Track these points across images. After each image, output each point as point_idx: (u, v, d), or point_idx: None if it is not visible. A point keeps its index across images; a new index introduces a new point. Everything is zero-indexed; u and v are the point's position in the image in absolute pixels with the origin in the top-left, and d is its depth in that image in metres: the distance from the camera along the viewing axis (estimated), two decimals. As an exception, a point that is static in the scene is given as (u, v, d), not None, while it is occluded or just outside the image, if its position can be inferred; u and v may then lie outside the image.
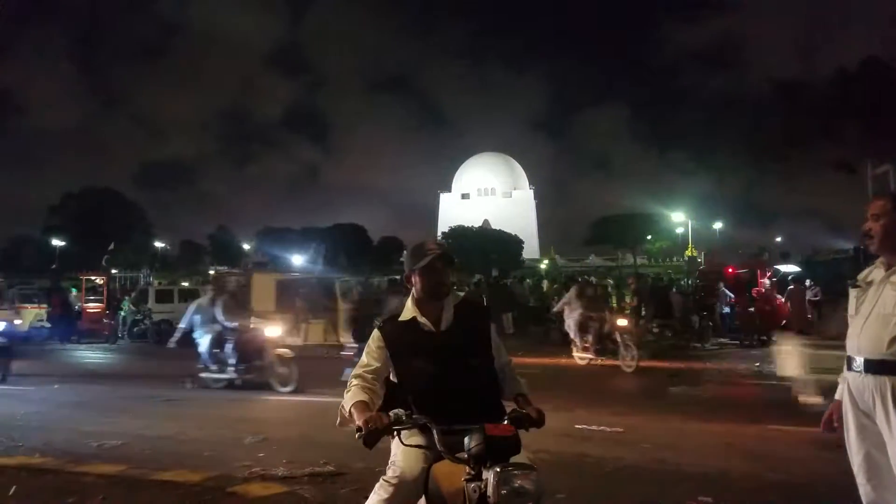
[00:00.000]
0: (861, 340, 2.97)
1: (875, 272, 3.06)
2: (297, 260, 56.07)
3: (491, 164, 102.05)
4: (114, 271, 36.86)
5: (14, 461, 6.02)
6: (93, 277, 25.03)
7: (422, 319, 2.76)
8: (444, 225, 78.19)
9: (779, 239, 50.99)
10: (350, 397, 2.66)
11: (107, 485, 5.33)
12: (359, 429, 2.50)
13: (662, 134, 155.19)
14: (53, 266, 44.78)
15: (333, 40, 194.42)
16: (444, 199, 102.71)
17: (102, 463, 5.99)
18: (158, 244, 66.37)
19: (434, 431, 2.44)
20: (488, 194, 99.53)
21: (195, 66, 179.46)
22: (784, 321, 17.28)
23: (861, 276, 3.12)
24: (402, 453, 2.64)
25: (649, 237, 63.21)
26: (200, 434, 7.42)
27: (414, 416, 2.53)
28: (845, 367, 3.15)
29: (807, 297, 17.88)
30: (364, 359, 2.79)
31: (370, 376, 2.72)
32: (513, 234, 65.67)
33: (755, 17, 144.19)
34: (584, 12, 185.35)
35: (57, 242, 53.73)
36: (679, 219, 52.50)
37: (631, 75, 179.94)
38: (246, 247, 71.95)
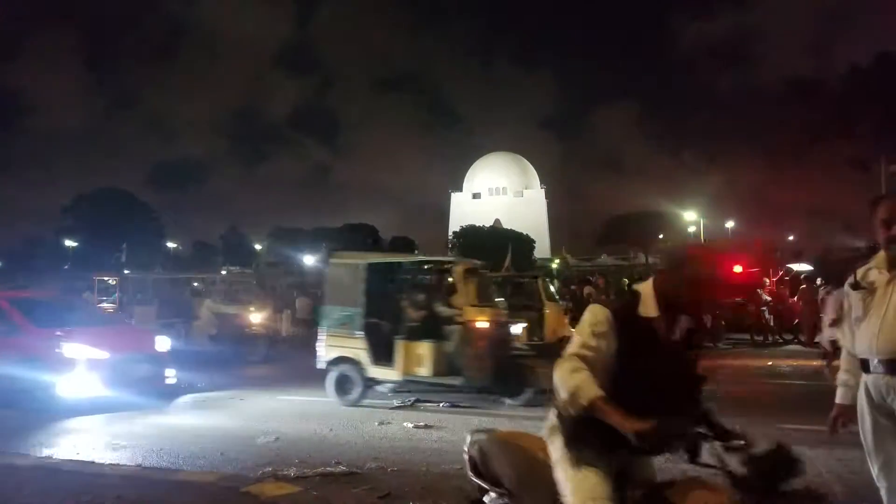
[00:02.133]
0: (879, 342, 2.96)
1: (872, 273, 3.06)
2: (309, 260, 56.28)
3: (502, 164, 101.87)
4: (126, 272, 37.06)
5: (29, 461, 6.08)
6: (105, 278, 25.16)
7: (659, 323, 2.44)
8: (455, 224, 78.12)
9: (791, 237, 50.64)
10: (587, 383, 2.28)
11: (121, 484, 5.38)
12: (642, 434, 2.16)
13: (675, 132, 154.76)
14: (66, 267, 45.14)
15: (343, 39, 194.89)
16: (456, 198, 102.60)
17: (116, 463, 6.05)
18: (170, 244, 66.78)
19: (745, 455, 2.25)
20: (499, 194, 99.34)
21: (205, 66, 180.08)
22: (796, 320, 17.19)
23: (858, 277, 3.10)
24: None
25: (661, 236, 62.96)
26: (214, 434, 7.46)
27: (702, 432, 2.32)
28: (848, 369, 3.19)
29: (819, 297, 17.72)
30: (586, 339, 2.40)
31: (592, 362, 2.35)
32: (524, 233, 65.58)
33: (769, 13, 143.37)
34: (596, 9, 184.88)
35: (70, 243, 54.17)
36: (691, 217, 52.29)
37: (643, 73, 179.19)
38: (258, 247, 72.32)
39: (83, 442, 7.09)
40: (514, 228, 66.64)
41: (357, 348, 9.20)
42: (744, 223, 49.98)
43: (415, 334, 9.19)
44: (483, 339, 8.81)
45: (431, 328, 9.29)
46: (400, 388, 9.48)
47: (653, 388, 2.31)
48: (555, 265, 56.28)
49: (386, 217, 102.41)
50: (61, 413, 8.27)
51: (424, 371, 8.96)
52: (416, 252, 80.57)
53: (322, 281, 16.19)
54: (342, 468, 5.80)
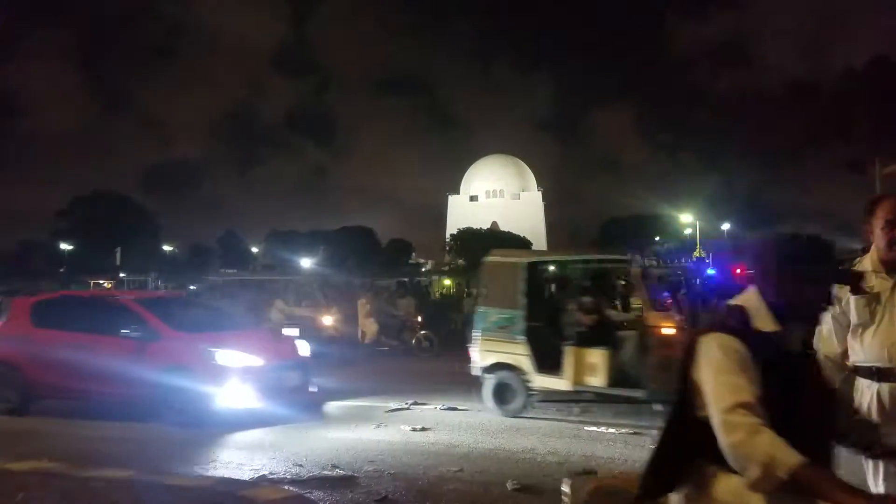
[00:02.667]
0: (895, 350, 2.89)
1: (871, 277, 2.97)
2: (306, 263, 56.20)
3: (499, 166, 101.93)
4: (122, 275, 37.06)
5: (23, 466, 6.03)
6: (101, 281, 25.16)
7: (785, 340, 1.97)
8: (452, 227, 78.10)
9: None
10: (780, 447, 1.69)
11: (115, 489, 5.34)
12: None
13: (671, 134, 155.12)
14: (62, 270, 45.06)
15: (339, 41, 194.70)
16: (453, 201, 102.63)
17: (111, 467, 6.00)
18: (167, 248, 66.70)
19: None
20: (497, 196, 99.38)
21: (201, 68, 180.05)
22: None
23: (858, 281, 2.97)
24: None
25: (657, 238, 63.10)
26: (209, 438, 7.42)
27: None
28: (856, 379, 3.05)
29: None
30: (736, 378, 1.81)
31: (759, 412, 1.77)
32: (521, 235, 65.63)
33: (765, 15, 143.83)
34: (593, 12, 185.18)
35: (65, 247, 54.08)
36: (687, 220, 52.43)
37: (639, 76, 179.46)
38: (254, 250, 72.27)
39: (76, 446, 7.02)
40: (511, 231, 66.73)
41: (518, 354, 8.38)
42: (740, 225, 50.01)
43: (585, 340, 8.32)
44: (669, 348, 7.75)
45: (604, 333, 8.47)
46: (566, 398, 8.74)
47: (806, 424, 1.85)
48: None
49: (383, 219, 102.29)
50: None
51: (597, 381, 8.07)
52: (413, 254, 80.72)
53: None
54: (338, 471, 5.78)
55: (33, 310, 9.28)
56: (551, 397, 8.74)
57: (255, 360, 8.21)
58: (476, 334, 8.85)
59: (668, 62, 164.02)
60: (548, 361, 8.30)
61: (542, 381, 8.35)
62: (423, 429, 7.68)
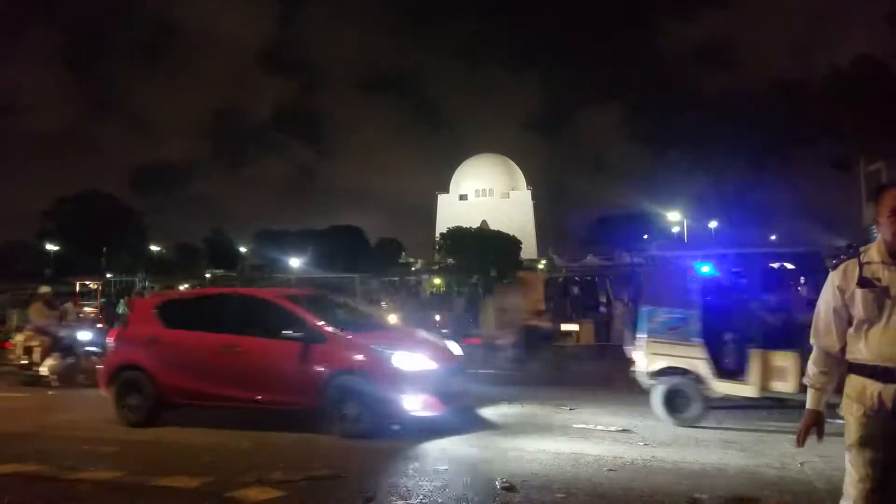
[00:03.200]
0: None
1: (877, 269, 2.77)
2: (295, 262, 56.01)
3: (488, 166, 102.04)
4: (109, 275, 36.81)
5: (8, 468, 5.99)
6: (87, 282, 24.96)
7: None
8: (442, 226, 78.15)
9: (773, 237, 51.05)
10: None
11: (103, 491, 5.32)
12: None
13: (658, 133, 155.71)
14: (48, 271, 44.67)
15: (327, 40, 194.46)
16: (442, 200, 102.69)
17: (98, 469, 5.97)
18: (154, 247, 66.23)
19: None
20: (486, 195, 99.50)
21: (187, 68, 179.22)
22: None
23: (865, 273, 2.79)
24: None
25: (646, 236, 63.38)
26: (197, 439, 7.39)
27: None
28: (825, 371, 2.94)
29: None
30: None
31: None
32: (511, 234, 65.76)
33: (750, 15, 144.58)
34: (580, 11, 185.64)
35: (51, 247, 53.59)
36: (675, 218, 52.70)
37: (627, 75, 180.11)
38: (242, 250, 71.93)
39: (64, 448, 6.95)
40: (500, 230, 66.87)
41: (694, 358, 7.63)
42: (727, 223, 50.29)
43: (772, 342, 7.50)
44: None
45: (792, 335, 7.49)
46: (752, 404, 7.99)
47: None
48: (541, 266, 56.41)
49: (372, 219, 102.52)
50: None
51: (787, 387, 7.24)
52: (403, 254, 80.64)
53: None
54: (327, 472, 5.76)
55: (161, 310, 8.56)
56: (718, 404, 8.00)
57: (430, 363, 7.61)
58: (641, 336, 8.09)
59: (655, 61, 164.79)
60: (729, 365, 7.64)
61: (722, 387, 7.60)
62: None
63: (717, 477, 5.65)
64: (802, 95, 30.05)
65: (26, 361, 12.03)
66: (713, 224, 51.35)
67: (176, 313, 8.55)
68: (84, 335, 12.35)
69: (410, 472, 5.94)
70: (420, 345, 8.09)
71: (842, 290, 2.85)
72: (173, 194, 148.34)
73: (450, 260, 60.04)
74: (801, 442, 2.99)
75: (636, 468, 5.96)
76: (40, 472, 5.87)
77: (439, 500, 5.06)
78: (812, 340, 3.01)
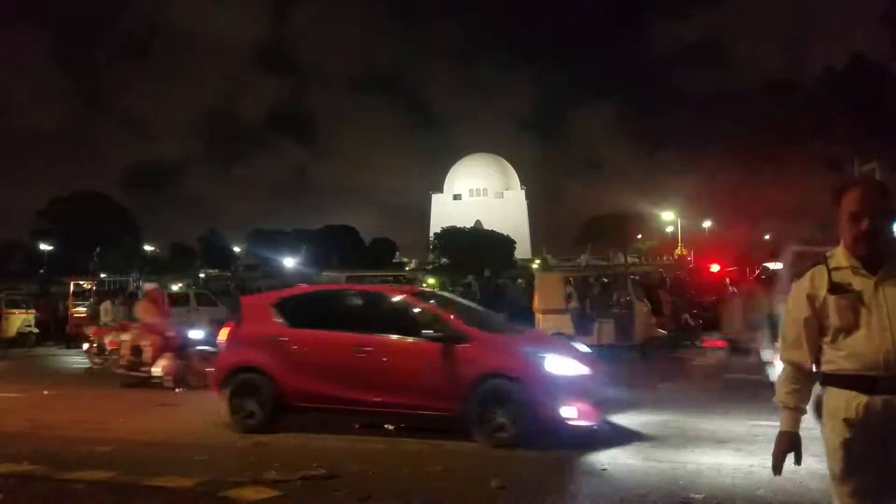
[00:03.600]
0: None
1: (846, 275, 2.58)
2: (289, 262, 55.92)
3: (482, 165, 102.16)
4: (103, 275, 36.65)
5: (2, 468, 5.96)
6: (81, 282, 24.88)
7: None
8: (436, 226, 78.16)
9: (767, 237, 51.24)
10: None
11: (97, 491, 5.30)
12: None
13: (652, 133, 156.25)
14: (42, 271, 44.48)
15: (320, 39, 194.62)
16: (437, 199, 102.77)
17: (92, 469, 5.94)
18: (148, 247, 66.06)
19: None
20: (480, 195, 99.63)
21: (180, 67, 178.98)
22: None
23: (836, 279, 2.58)
24: None
25: (640, 236, 63.55)
26: (191, 439, 7.36)
27: None
28: (798, 388, 2.66)
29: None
30: None
31: None
32: (505, 234, 65.79)
33: (744, 14, 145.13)
34: (573, 11, 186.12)
35: (45, 247, 53.38)
36: (669, 217, 52.85)
37: (620, 74, 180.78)
38: (236, 249, 71.82)
39: (57, 448, 6.92)
40: (494, 229, 66.89)
41: None
42: (721, 223, 50.44)
43: None
44: None
45: None
46: None
47: None
48: (535, 266, 56.51)
49: (366, 218, 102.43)
50: (32, 417, 7.67)
51: None
52: (397, 253, 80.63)
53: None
54: (323, 471, 5.75)
55: (279, 308, 7.98)
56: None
57: (582, 368, 7.13)
58: None
59: (649, 61, 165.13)
60: None
61: None
62: (408, 428, 7.50)
63: (712, 476, 5.67)
64: (796, 95, 30.18)
65: (133, 362, 11.36)
66: (707, 223, 51.52)
67: (297, 311, 8.02)
68: (196, 333, 11.84)
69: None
70: (565, 348, 7.71)
71: (812, 298, 2.63)
72: (167, 194, 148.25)
73: (444, 260, 60.05)
74: (777, 470, 2.69)
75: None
76: (34, 472, 5.84)
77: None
78: (780, 356, 2.76)
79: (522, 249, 76.33)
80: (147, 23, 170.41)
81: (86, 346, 14.26)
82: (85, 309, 22.59)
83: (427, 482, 5.53)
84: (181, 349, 11.34)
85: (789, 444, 2.67)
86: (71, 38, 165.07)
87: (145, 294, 12.75)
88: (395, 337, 7.31)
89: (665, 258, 62.80)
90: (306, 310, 8.22)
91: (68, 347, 20.58)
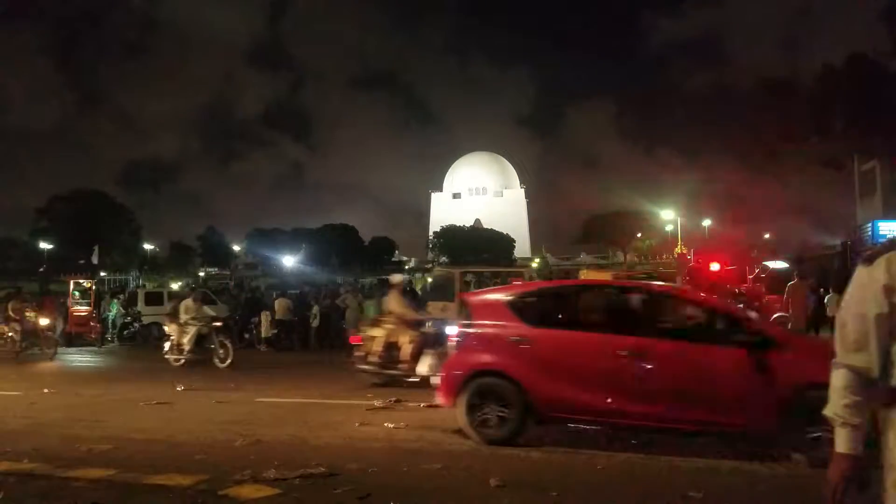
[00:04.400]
0: None
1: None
2: (288, 261, 55.89)
3: (482, 164, 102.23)
4: (102, 274, 36.68)
5: (2, 466, 5.96)
6: (80, 280, 24.85)
7: None
8: (435, 224, 78.22)
9: (767, 235, 51.30)
10: None
11: (97, 489, 5.29)
12: None
13: (651, 131, 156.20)
14: (42, 269, 44.45)
15: (317, 36, 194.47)
16: (436, 198, 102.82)
17: (92, 467, 5.94)
18: (147, 246, 66.06)
19: None
20: (480, 193, 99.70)
21: (176, 64, 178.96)
22: (773, 317, 17.35)
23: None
24: None
25: (639, 235, 63.58)
26: (190, 437, 7.37)
27: None
28: (858, 402, 2.15)
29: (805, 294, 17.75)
30: None
31: None
32: (504, 232, 65.83)
33: (742, 12, 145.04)
34: (571, 8, 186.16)
35: (44, 245, 53.38)
36: (668, 216, 52.86)
37: (618, 72, 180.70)
38: (236, 248, 71.88)
39: (57, 446, 6.93)
40: (494, 228, 66.90)
41: None
42: (721, 221, 50.49)
43: None
44: None
45: None
46: None
47: None
48: (535, 264, 56.50)
49: (366, 217, 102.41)
50: (31, 415, 7.81)
51: None
52: (397, 252, 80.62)
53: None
54: (322, 469, 5.75)
55: (514, 306, 7.17)
56: None
57: None
58: None
59: (647, 58, 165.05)
60: None
61: None
62: (407, 426, 7.66)
63: (712, 474, 5.68)
64: (796, 93, 30.18)
65: (387, 358, 10.70)
66: (706, 222, 51.56)
67: (537, 309, 7.32)
68: (452, 330, 11.13)
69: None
70: None
71: (890, 291, 2.11)
72: (165, 192, 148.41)
73: (443, 258, 60.04)
74: (838, 500, 2.14)
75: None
76: (34, 470, 5.85)
77: None
78: (837, 359, 2.24)
79: (522, 248, 76.37)
80: (144, 20, 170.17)
81: (167, 344, 15.10)
82: (86, 308, 22.60)
83: (426, 480, 5.53)
84: (440, 346, 10.19)
85: (851, 469, 2.12)
86: (67, 35, 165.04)
87: (393, 286, 11.87)
88: (680, 340, 6.51)
89: (665, 257, 62.91)
90: (549, 308, 7.47)
91: (69, 346, 20.62)
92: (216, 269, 63.43)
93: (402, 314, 10.97)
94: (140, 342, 21.96)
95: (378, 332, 11.00)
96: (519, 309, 7.13)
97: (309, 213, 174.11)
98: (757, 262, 25.53)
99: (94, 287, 24.24)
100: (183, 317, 14.66)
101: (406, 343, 10.48)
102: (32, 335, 17.13)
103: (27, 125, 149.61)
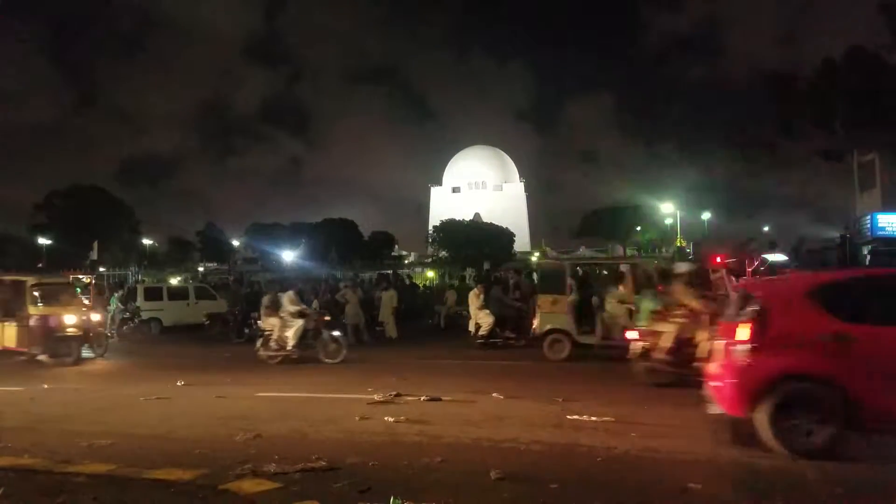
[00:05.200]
0: None
1: None
2: (288, 256, 55.84)
3: (481, 158, 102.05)
4: (101, 269, 36.65)
5: (2, 462, 5.97)
6: (80, 276, 24.84)
7: None
8: (435, 219, 78.03)
9: (766, 228, 51.28)
10: None
11: (97, 484, 5.31)
12: None
13: (650, 124, 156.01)
14: (40, 265, 44.42)
15: (314, 31, 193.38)
16: (435, 192, 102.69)
17: (92, 462, 5.96)
18: (146, 241, 66.00)
19: None
20: (479, 188, 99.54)
21: (174, 59, 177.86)
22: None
23: None
24: None
25: (638, 228, 63.52)
26: (191, 432, 7.38)
27: None
28: None
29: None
30: None
31: None
32: (504, 227, 65.72)
33: (741, 5, 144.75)
34: (570, 1, 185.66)
35: (43, 241, 53.30)
36: (668, 210, 52.78)
37: (618, 66, 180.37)
38: (235, 243, 71.79)
39: (57, 441, 6.94)
40: (493, 222, 66.79)
41: None
42: (720, 215, 50.49)
43: None
44: None
45: None
46: None
47: None
48: (534, 259, 56.47)
49: (365, 212, 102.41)
50: (32, 410, 7.83)
51: None
52: (396, 246, 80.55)
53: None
54: (322, 463, 5.77)
55: (820, 298, 6.19)
56: None
57: None
58: None
59: (646, 52, 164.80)
60: None
61: None
62: (408, 420, 7.65)
63: (710, 467, 5.69)
64: (795, 87, 30.14)
65: (681, 356, 9.80)
66: (706, 216, 51.49)
67: (853, 302, 6.25)
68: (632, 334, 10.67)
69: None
70: None
71: None
72: (163, 187, 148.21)
73: (443, 252, 59.98)
74: None
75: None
76: (34, 466, 5.86)
77: None
78: None
79: (521, 242, 76.31)
80: (141, 15, 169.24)
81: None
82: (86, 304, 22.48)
83: (426, 474, 5.54)
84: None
85: None
86: (65, 30, 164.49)
87: (678, 276, 10.57)
88: None
89: (664, 251, 62.88)
90: (869, 300, 6.32)
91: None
92: (216, 264, 63.40)
93: (699, 308, 9.95)
94: (139, 337, 21.95)
95: (667, 328, 10.10)
96: (822, 302, 6.15)
97: (308, 208, 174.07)
98: (756, 255, 25.51)
99: (93, 282, 24.19)
100: (291, 308, 13.77)
101: (704, 340, 9.39)
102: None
103: (24, 121, 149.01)
